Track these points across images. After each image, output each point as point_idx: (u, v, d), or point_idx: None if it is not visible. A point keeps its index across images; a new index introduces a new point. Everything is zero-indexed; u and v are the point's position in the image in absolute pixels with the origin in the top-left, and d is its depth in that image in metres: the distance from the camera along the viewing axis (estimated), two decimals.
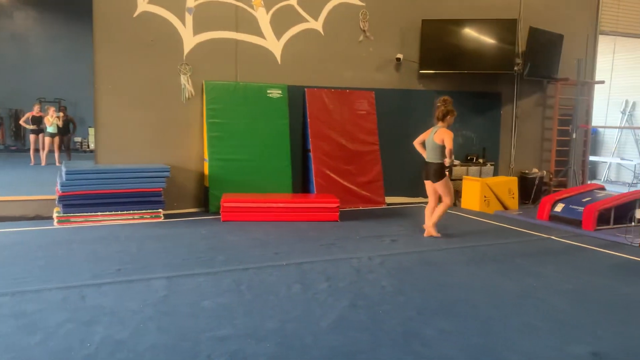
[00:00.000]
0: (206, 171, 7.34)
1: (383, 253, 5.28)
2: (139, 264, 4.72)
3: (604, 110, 11.58)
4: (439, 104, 6.09)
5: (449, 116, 6.05)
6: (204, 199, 7.44)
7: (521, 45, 8.97)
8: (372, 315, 3.65)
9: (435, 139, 5.98)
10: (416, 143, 6.28)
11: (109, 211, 6.44)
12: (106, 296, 3.90)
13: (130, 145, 7.12)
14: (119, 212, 6.48)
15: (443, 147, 5.90)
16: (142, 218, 6.59)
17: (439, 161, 5.98)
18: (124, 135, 7.09)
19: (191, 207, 7.46)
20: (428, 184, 6.19)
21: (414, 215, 7.42)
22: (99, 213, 6.40)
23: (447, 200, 6.04)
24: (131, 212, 6.54)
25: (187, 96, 7.33)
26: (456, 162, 8.70)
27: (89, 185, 6.38)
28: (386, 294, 4.10)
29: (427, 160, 6.13)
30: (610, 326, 3.56)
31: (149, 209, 6.63)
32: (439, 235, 6.09)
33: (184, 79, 7.30)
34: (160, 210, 6.69)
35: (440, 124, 6.07)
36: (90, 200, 6.38)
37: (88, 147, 14.10)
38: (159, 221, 6.61)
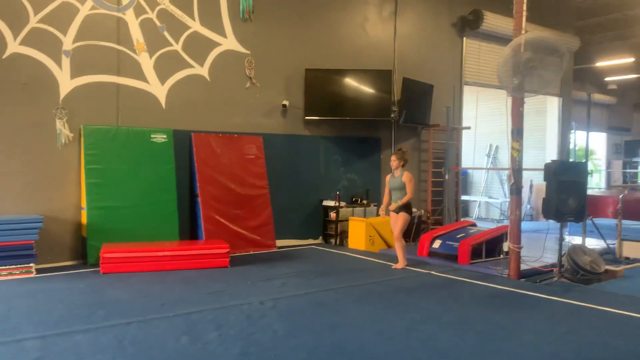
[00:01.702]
0: (84, 220, 6.91)
1: (274, 297, 5.26)
2: (7, 325, 4.28)
3: (472, 153, 12.67)
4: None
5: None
6: (82, 251, 6.96)
7: (396, 94, 9.65)
8: None
9: None
10: None
11: None
12: None
13: None
14: None
15: None
16: (10, 274, 6.00)
17: None
18: None
19: (67, 260, 6.94)
20: None
21: (305, 257, 7.51)
22: None
23: None
24: None
25: (63, 141, 6.93)
26: (343, 203, 9.01)
27: None
28: (278, 338, 4.08)
29: None
30: (487, 354, 3.82)
31: (19, 264, 6.06)
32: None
33: (59, 124, 6.90)
34: (31, 264, 6.15)
35: None
36: None
37: None
38: (30, 277, 6.06)
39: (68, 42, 6.96)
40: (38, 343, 3.88)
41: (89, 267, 6.60)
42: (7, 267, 6.00)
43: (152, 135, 7.45)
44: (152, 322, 4.41)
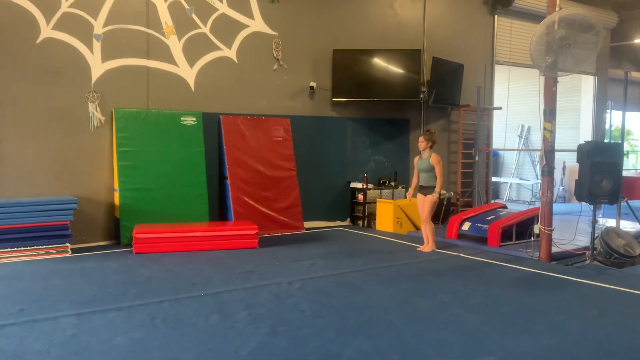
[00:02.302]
0: (117, 202, 7.07)
1: (302, 277, 5.32)
2: (44, 302, 4.44)
3: (503, 134, 12.42)
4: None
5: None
6: (115, 231, 7.14)
7: (426, 74, 9.51)
8: (292, 340, 3.66)
9: None
10: None
11: (10, 248, 6.02)
12: (7, 338, 3.62)
13: (34, 178, 6.72)
14: (22, 249, 6.07)
15: None
16: (47, 254, 6.20)
17: None
18: (26, 167, 6.68)
19: (101, 240, 7.13)
20: None
21: (332, 239, 7.55)
22: None
23: None
24: (35, 247, 6.14)
25: (95, 124, 7.07)
26: (370, 185, 9.00)
27: None
28: (305, 318, 4.13)
29: None
30: (515, 335, 3.80)
31: (55, 244, 6.26)
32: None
33: (92, 107, 7.04)
34: (67, 244, 6.35)
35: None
36: None
37: None
38: (66, 256, 6.26)
39: (99, 26, 7.06)
40: (74, 320, 4.02)
41: (122, 247, 6.78)
42: (44, 246, 6.20)
43: (181, 118, 7.53)
44: (183, 301, 4.51)
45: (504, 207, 8.39)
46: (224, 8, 7.94)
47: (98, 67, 7.09)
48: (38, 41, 6.71)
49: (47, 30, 6.75)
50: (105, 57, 7.13)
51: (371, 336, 3.74)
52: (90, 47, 7.02)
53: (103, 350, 3.45)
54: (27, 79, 6.65)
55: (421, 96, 9.36)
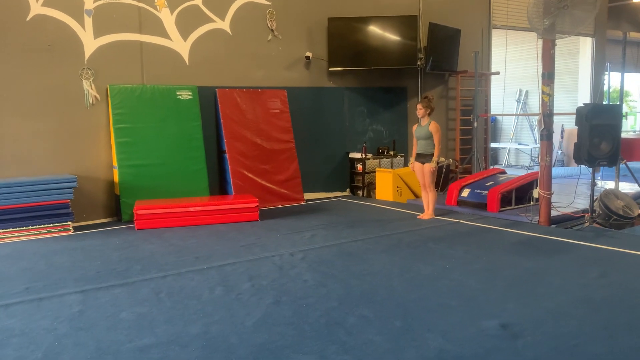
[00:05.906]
0: (116, 179, 7.07)
1: (304, 248, 5.36)
2: (49, 280, 4.48)
3: (501, 99, 12.36)
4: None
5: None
6: (116, 208, 7.16)
7: (422, 40, 9.39)
8: (296, 309, 3.70)
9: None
10: None
11: (12, 227, 6.04)
12: (14, 317, 3.67)
13: (32, 157, 6.70)
14: (23, 228, 6.09)
15: None
16: (49, 232, 6.23)
17: None
18: (24, 146, 6.66)
19: (102, 218, 7.15)
20: None
21: (332, 209, 7.57)
22: (0, 230, 5.98)
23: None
24: (37, 227, 6.16)
25: (91, 102, 7.01)
26: (369, 155, 8.99)
27: None
28: (308, 287, 4.17)
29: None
30: (516, 299, 3.85)
31: (57, 223, 6.28)
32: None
33: (86, 84, 6.97)
34: (69, 222, 6.37)
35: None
36: None
37: None
38: (68, 234, 6.29)
39: (89, 0, 6.94)
40: (79, 297, 4.06)
41: (124, 224, 6.80)
42: (46, 225, 6.22)
43: (177, 93, 7.47)
44: (187, 275, 4.55)
45: (503, 172, 8.40)
46: None
47: (91, 43, 6.99)
48: (28, 18, 6.60)
49: (36, 7, 6.63)
50: (98, 33, 7.02)
51: (374, 303, 3.79)
52: (81, 22, 6.91)
53: (109, 325, 3.50)
54: (19, 57, 6.56)
55: (418, 63, 9.27)
